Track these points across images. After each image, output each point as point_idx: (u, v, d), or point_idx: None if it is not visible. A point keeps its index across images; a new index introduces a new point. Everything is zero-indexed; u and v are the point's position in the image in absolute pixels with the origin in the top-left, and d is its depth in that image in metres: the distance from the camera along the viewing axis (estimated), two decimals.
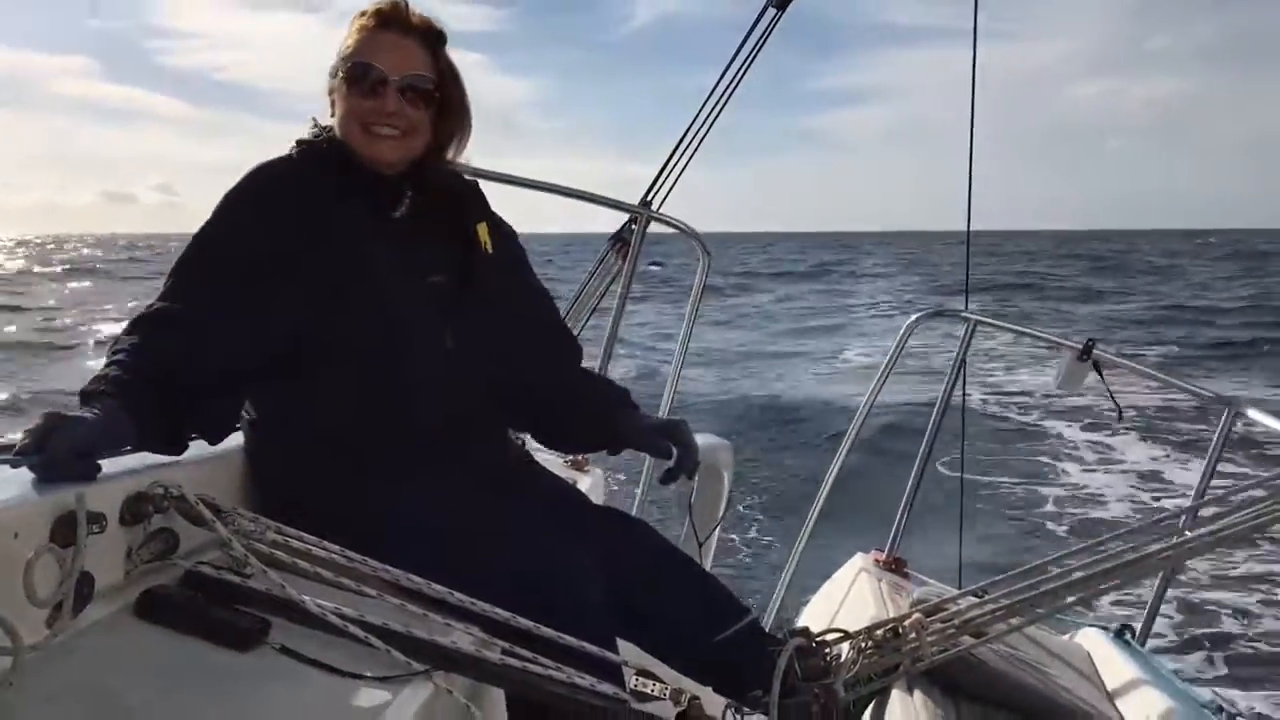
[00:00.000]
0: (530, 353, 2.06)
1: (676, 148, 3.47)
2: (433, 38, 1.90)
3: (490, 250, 1.99)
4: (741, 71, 3.38)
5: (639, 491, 3.48)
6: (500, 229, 2.06)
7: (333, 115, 1.90)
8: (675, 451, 2.00)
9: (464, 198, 2.03)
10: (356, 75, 1.83)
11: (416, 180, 1.93)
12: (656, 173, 3.50)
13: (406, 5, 1.88)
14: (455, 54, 1.95)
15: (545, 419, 2.15)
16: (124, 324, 1.68)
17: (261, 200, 1.82)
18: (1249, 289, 35.11)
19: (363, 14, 1.87)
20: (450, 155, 1.98)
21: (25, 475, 1.31)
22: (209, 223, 1.80)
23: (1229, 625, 6.71)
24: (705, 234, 3.41)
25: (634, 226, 3.43)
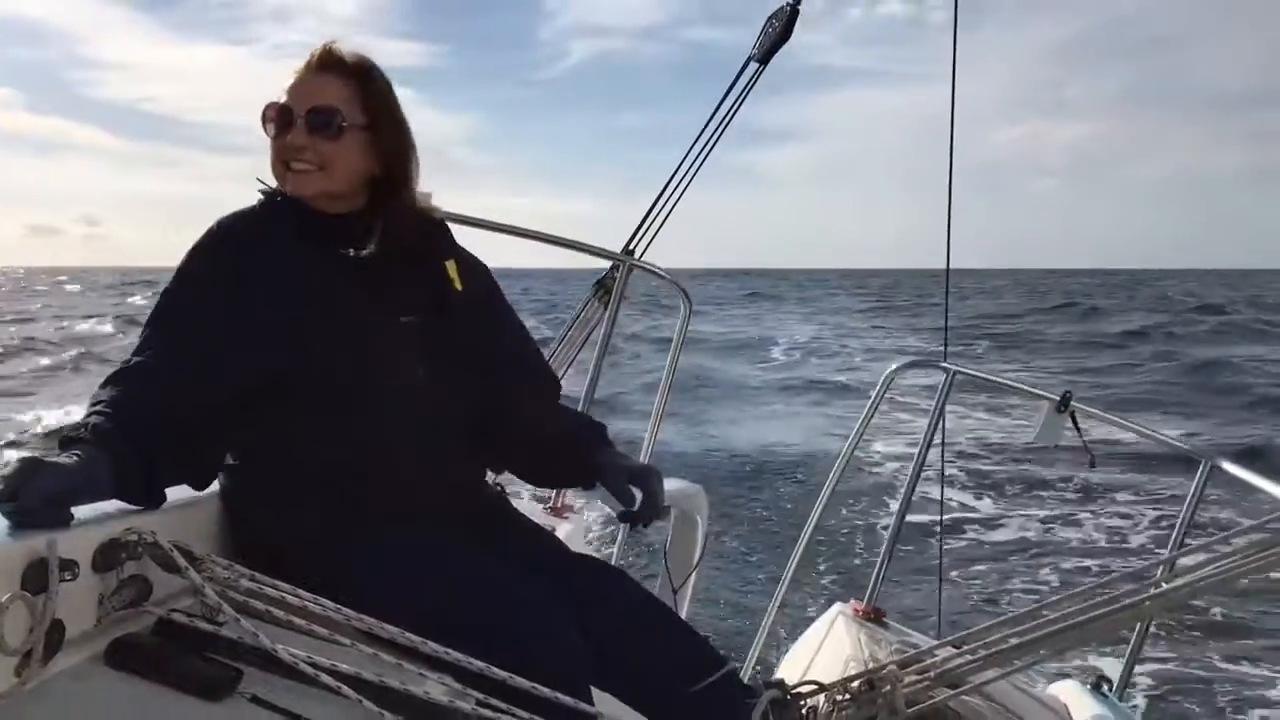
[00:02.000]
0: (506, 388, 2.05)
1: (659, 196, 3.51)
2: (352, 70, 1.91)
3: (460, 287, 2.00)
4: (724, 123, 3.43)
5: (618, 539, 3.47)
6: (470, 264, 2.08)
7: None
8: (638, 498, 2.00)
9: (431, 235, 2.04)
10: (268, 116, 1.88)
11: (381, 218, 1.94)
12: (639, 221, 3.53)
13: (328, 46, 1.91)
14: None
15: (520, 454, 2.13)
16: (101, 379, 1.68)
17: (227, 250, 1.85)
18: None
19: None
20: (413, 187, 1.99)
21: None
22: (177, 276, 1.83)
23: (1206, 677, 6.71)
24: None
25: (615, 274, 3.45)
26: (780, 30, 3.38)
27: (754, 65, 3.43)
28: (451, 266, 2.01)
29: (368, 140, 1.91)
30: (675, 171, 3.50)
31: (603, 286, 3.50)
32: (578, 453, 2.08)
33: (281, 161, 1.88)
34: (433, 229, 2.06)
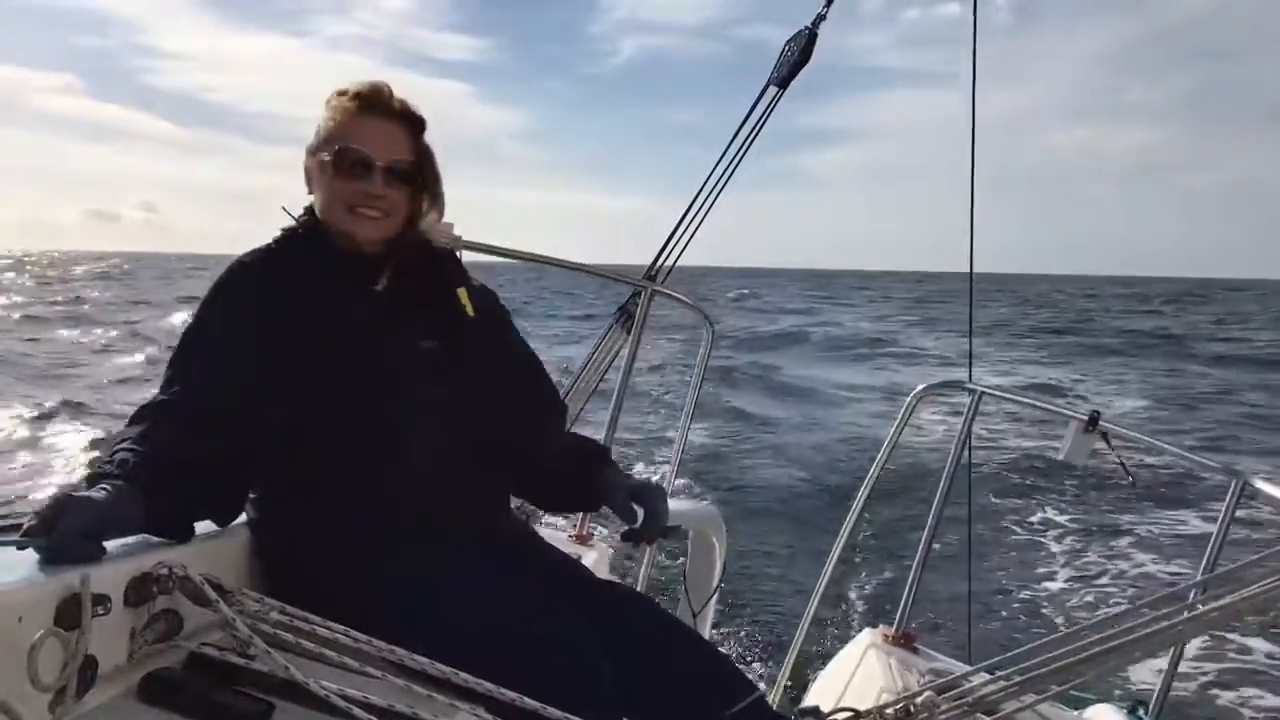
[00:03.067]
0: (516, 414, 2.07)
1: (680, 222, 3.52)
2: (415, 122, 1.95)
3: (472, 313, 2.01)
4: (744, 148, 3.44)
5: (643, 566, 3.46)
6: (481, 292, 2.09)
7: (310, 191, 1.95)
8: (640, 515, 1.99)
9: (441, 265, 2.05)
10: (342, 159, 1.87)
11: (394, 252, 1.95)
12: (660, 247, 3.54)
13: (389, 89, 1.92)
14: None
15: (527, 477, 2.15)
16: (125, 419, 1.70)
17: (247, 288, 1.87)
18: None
19: (342, 93, 1.91)
20: (424, 224, 2.01)
21: (31, 557, 1.31)
22: (198, 315, 1.85)
23: (1242, 700, 6.60)
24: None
25: (638, 300, 3.46)
26: (799, 53, 3.39)
27: (774, 89, 3.44)
28: (463, 294, 2.02)
29: (416, 190, 1.95)
30: (696, 196, 3.51)
31: (625, 313, 3.51)
32: (581, 475, 2.10)
33: (346, 205, 1.89)
34: (443, 259, 2.07)
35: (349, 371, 1.82)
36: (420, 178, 1.94)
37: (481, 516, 1.95)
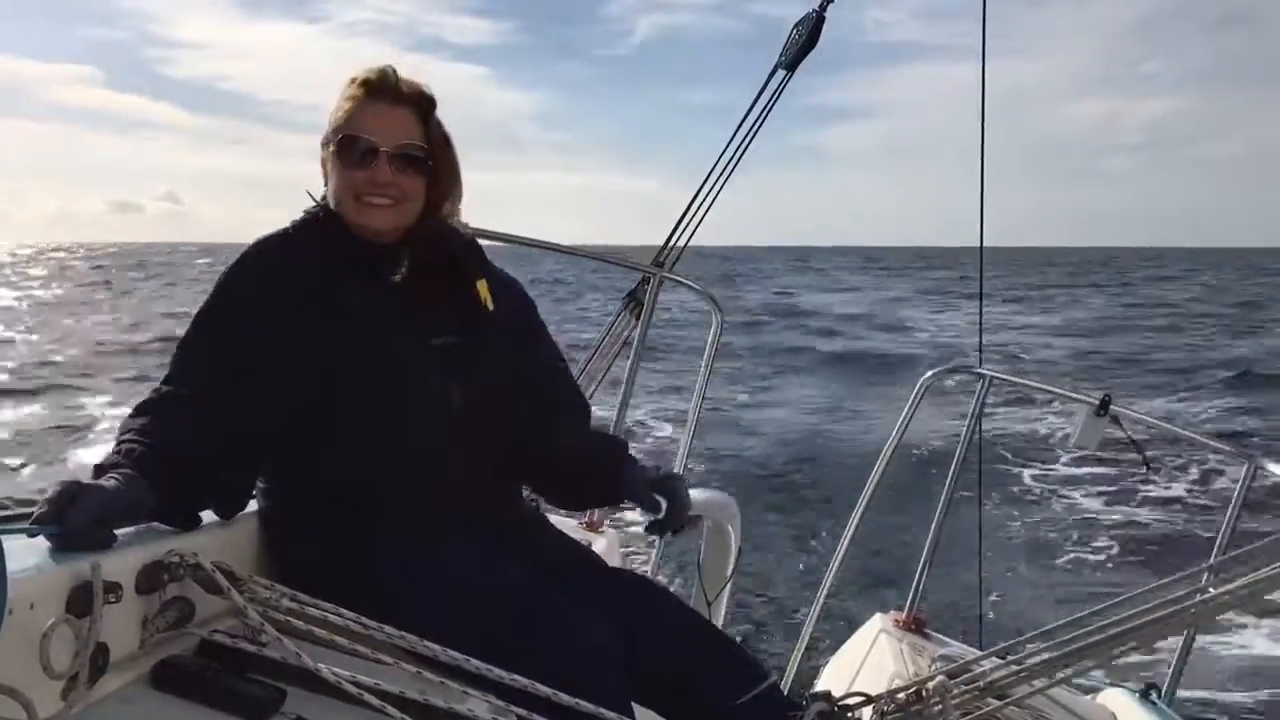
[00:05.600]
0: (537, 411, 2.05)
1: (689, 207, 3.50)
2: (424, 104, 1.91)
3: (492, 307, 1.99)
4: (752, 133, 3.42)
5: (653, 554, 3.46)
6: (502, 283, 2.07)
7: (326, 184, 1.92)
8: (663, 505, 1.99)
9: (461, 256, 2.02)
10: (347, 147, 1.85)
11: (412, 243, 1.93)
12: (669, 233, 3.52)
13: (395, 73, 1.89)
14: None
15: (549, 476, 2.13)
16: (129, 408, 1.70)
17: (259, 276, 1.85)
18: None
19: (352, 82, 1.89)
20: (445, 214, 1.98)
21: (42, 544, 1.31)
22: (208, 302, 1.83)
23: (1255, 682, 6.59)
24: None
25: (647, 287, 3.45)
26: (807, 37, 3.36)
27: (781, 73, 3.42)
28: (483, 286, 2.00)
29: (429, 175, 1.91)
30: (704, 183, 3.49)
31: (634, 299, 3.50)
32: (602, 471, 2.07)
33: (354, 194, 1.86)
34: (463, 250, 2.04)
35: (355, 364, 1.81)
36: (431, 161, 1.90)
37: (489, 509, 1.93)
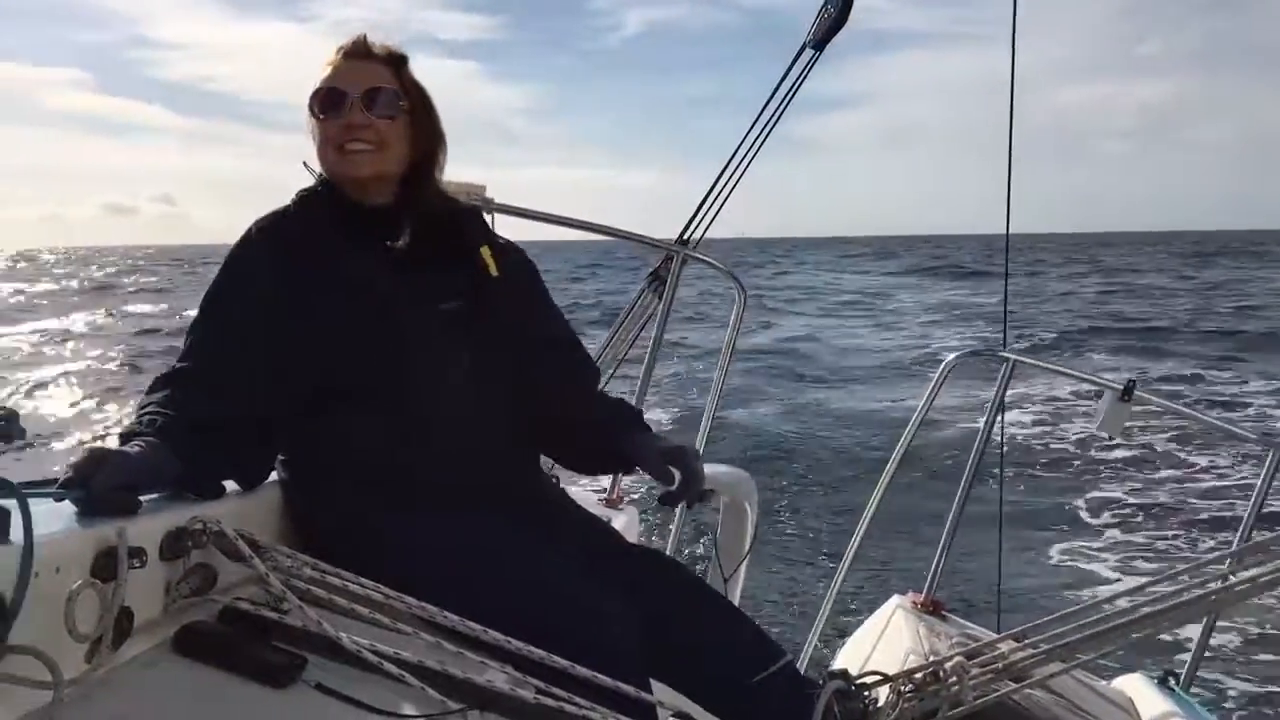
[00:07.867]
0: (545, 375, 2.04)
1: (714, 185, 3.49)
2: (393, 60, 1.94)
3: (496, 272, 1.99)
4: (780, 109, 3.39)
5: (672, 529, 3.47)
6: (507, 250, 2.07)
7: (318, 155, 1.95)
8: (676, 477, 1.98)
9: (463, 222, 2.04)
10: (319, 99, 1.88)
11: (413, 207, 1.95)
12: (693, 211, 3.51)
13: (366, 36, 1.93)
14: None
15: (559, 441, 2.13)
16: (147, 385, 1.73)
17: (264, 251, 1.88)
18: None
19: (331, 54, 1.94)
20: (437, 175, 2.01)
21: (68, 509, 1.33)
22: (216, 280, 1.87)
23: (1275, 672, 6.55)
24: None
25: (670, 265, 3.44)
26: (836, 14, 3.33)
27: (809, 52, 3.39)
28: (486, 252, 2.00)
29: (409, 125, 1.93)
30: (729, 161, 3.47)
31: (657, 277, 3.50)
32: (614, 438, 2.06)
33: (334, 144, 1.88)
34: (466, 217, 2.06)
35: (367, 334, 1.82)
36: (404, 104, 1.92)
37: (509, 479, 1.94)
